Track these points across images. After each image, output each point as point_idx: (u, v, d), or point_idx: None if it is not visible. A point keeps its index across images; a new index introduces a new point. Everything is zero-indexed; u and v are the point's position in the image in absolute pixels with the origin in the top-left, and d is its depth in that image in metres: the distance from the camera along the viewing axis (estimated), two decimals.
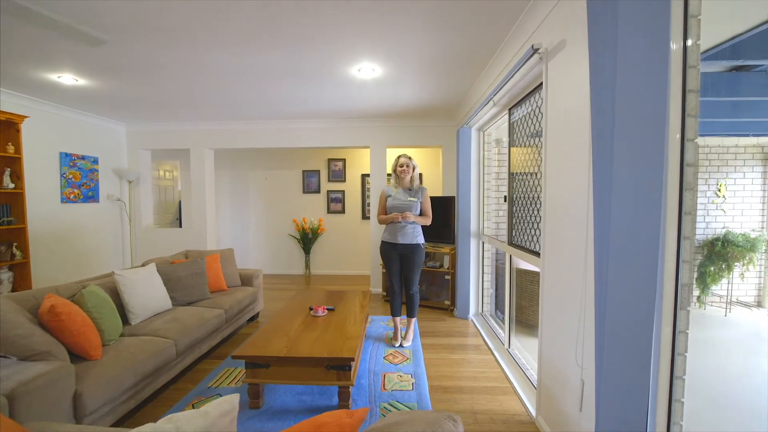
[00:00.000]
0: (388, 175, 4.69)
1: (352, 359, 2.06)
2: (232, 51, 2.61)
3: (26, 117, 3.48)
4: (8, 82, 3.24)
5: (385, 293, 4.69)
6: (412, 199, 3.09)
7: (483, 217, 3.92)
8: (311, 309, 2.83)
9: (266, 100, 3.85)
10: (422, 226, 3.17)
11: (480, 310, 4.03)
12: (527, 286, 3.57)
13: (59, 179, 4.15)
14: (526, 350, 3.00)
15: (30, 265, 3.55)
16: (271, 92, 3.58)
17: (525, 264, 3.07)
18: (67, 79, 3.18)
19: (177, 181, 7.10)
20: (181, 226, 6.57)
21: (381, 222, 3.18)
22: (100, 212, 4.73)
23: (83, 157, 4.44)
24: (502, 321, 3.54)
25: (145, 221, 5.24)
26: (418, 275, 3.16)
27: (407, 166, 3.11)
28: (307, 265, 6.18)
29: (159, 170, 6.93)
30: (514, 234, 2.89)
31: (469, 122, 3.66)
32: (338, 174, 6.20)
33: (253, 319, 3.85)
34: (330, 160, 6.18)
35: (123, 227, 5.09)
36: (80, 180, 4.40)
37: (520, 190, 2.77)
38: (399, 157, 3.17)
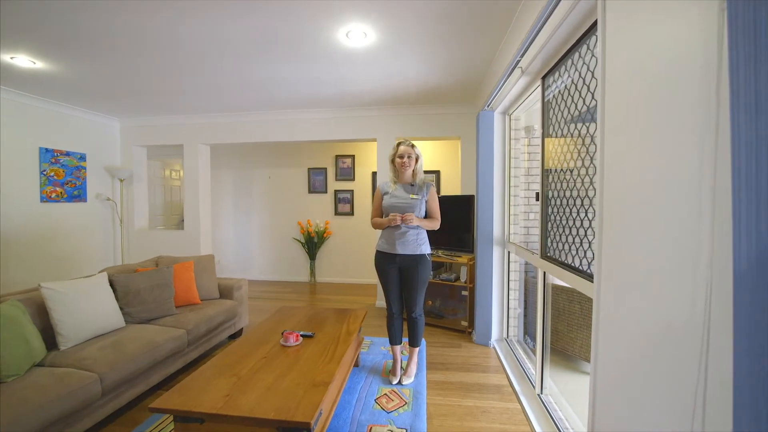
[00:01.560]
0: None
1: (308, 426, 1.43)
2: (202, 17, 2.09)
3: None
4: None
5: None
6: (414, 197, 2.42)
7: (508, 220, 3.19)
8: (282, 335, 2.24)
9: (252, 82, 3.31)
10: (428, 232, 2.50)
11: (505, 335, 3.29)
12: (565, 306, 2.82)
13: (38, 176, 3.83)
14: (563, 395, 2.27)
15: None
16: (255, 72, 3.04)
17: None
18: (22, 60, 2.79)
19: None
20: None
21: (376, 226, 2.53)
22: (88, 213, 4.41)
23: (68, 153, 4.12)
24: (532, 350, 2.81)
25: (139, 222, 4.89)
26: (422, 294, 2.49)
27: (409, 156, 2.44)
28: (312, 272, 5.64)
29: (166, 170, 6.67)
30: (549, 245, 2.17)
31: (491, 103, 2.95)
32: (346, 172, 5.62)
33: (234, 336, 3.32)
34: (338, 157, 5.61)
35: (115, 229, 4.76)
36: (64, 178, 4.08)
37: (558, 188, 2.05)
38: (398, 144, 2.50)
